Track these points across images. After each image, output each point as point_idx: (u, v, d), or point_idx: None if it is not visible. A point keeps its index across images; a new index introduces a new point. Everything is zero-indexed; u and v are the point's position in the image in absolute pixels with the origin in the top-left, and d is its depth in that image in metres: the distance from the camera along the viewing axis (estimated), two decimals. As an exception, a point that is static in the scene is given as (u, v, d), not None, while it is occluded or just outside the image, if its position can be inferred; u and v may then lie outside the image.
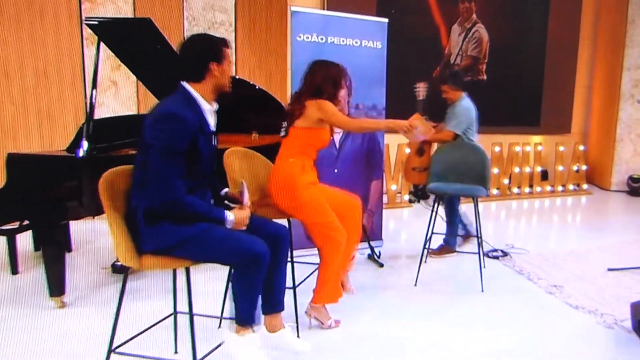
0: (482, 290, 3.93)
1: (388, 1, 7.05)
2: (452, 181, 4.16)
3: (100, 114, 5.91)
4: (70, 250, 4.74)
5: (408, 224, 6.10)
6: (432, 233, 4.17)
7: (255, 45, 6.97)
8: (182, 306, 2.60)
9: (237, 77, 4.70)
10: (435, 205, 4.08)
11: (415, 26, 7.30)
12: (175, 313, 2.94)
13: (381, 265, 4.43)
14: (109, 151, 3.81)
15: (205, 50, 2.48)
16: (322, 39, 4.45)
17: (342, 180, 4.32)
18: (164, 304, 3.16)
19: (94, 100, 3.70)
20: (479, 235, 4.11)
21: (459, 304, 3.73)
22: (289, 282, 3.09)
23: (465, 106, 4.51)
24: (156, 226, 2.35)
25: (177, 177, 2.30)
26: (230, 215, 2.45)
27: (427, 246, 4.19)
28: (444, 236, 4.67)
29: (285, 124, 3.28)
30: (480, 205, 4.13)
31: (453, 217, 4.57)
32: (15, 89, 5.64)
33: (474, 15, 7.65)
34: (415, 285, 4.02)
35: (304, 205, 3.14)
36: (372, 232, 4.65)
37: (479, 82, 7.88)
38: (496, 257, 4.70)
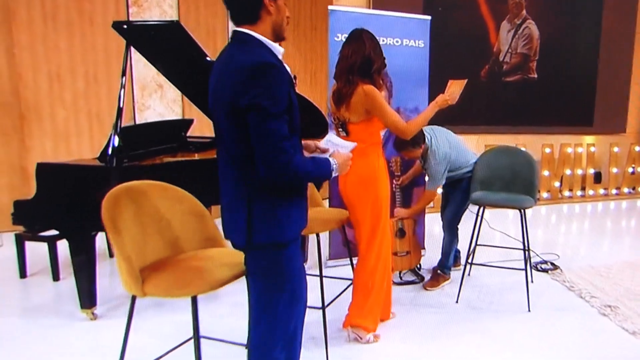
0: (529, 310, 3.43)
1: (435, -2, 6.48)
2: (496, 189, 3.64)
3: (147, 117, 5.75)
4: (112, 255, 4.53)
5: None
6: (476, 245, 3.68)
7: (299, 45, 6.60)
8: (205, 328, 2.28)
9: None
10: (480, 215, 3.58)
11: (463, 23, 6.69)
12: (197, 337, 2.60)
13: (422, 278, 3.94)
14: (139, 159, 3.54)
15: None
16: (360, 39, 4.01)
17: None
18: (188, 318, 2.83)
19: (121, 104, 3.43)
20: (527, 248, 3.59)
21: (503, 324, 3.25)
22: (317, 301, 2.72)
23: (437, 159, 3.59)
24: (270, 216, 1.89)
25: (285, 139, 1.77)
26: (335, 163, 2.00)
27: (470, 260, 3.70)
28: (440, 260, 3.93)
29: (338, 122, 2.92)
30: (529, 209, 3.59)
31: (453, 238, 3.83)
32: (67, 93, 5.51)
33: (524, 11, 6.97)
34: (457, 302, 3.56)
35: (381, 198, 2.89)
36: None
37: (529, 81, 7.20)
38: (545, 270, 4.15)
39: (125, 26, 3.37)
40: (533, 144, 6.87)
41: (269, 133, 1.76)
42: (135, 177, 2.21)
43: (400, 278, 3.89)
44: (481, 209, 3.57)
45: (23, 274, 4.04)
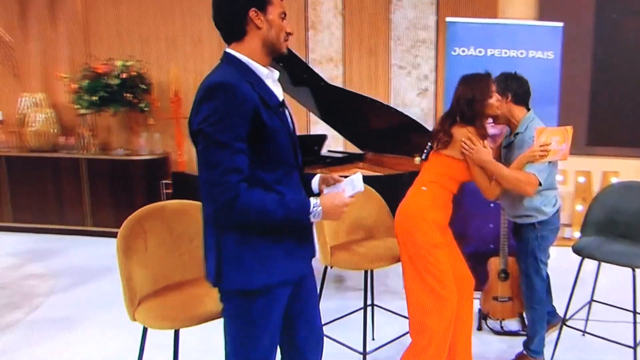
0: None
1: (609, 3, 4.64)
2: (615, 236, 2.40)
3: (317, 130, 5.50)
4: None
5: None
6: (592, 300, 2.50)
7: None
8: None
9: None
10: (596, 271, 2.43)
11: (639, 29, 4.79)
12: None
13: (526, 327, 2.72)
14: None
15: None
16: (480, 51, 3.13)
17: (496, 217, 2.90)
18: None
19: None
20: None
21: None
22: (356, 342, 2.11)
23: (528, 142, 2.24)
24: (237, 258, 1.41)
25: (234, 172, 1.31)
26: (316, 205, 1.41)
27: (566, 317, 2.51)
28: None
29: (428, 145, 2.26)
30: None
31: (534, 299, 2.36)
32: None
33: None
34: (549, 369, 2.48)
35: (420, 245, 2.07)
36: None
37: None
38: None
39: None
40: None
41: (212, 164, 1.31)
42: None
43: (502, 327, 2.87)
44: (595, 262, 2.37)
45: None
